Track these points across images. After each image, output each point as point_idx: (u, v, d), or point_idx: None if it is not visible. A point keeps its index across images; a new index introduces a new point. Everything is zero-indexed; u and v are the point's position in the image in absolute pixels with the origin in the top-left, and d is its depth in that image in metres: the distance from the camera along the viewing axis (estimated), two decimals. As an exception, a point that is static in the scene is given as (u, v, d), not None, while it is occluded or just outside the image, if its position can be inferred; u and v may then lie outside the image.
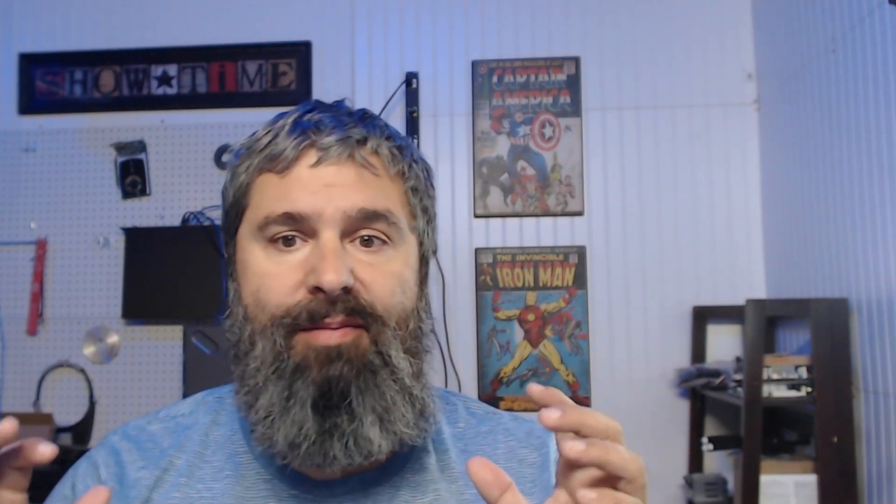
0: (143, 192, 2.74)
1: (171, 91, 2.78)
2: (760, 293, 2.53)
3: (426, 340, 0.71)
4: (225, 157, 2.73)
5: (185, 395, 2.55)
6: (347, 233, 0.67)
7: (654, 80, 2.63)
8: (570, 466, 0.52)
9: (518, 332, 2.57)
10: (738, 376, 2.10)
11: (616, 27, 2.66)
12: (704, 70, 2.62)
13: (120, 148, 2.76)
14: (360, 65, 2.73)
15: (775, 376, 1.97)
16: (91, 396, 2.67)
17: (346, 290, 0.64)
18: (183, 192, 2.73)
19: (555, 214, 2.61)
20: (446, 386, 2.36)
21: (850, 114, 1.96)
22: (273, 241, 0.67)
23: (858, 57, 1.92)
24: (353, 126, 0.69)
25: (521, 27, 2.69)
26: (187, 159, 2.74)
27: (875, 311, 1.84)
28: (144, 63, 2.79)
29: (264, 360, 0.65)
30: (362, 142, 0.69)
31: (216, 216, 2.67)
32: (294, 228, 0.67)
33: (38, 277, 2.72)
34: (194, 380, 2.54)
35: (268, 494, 0.70)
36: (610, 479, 0.52)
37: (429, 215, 0.74)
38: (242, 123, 2.72)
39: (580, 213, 2.61)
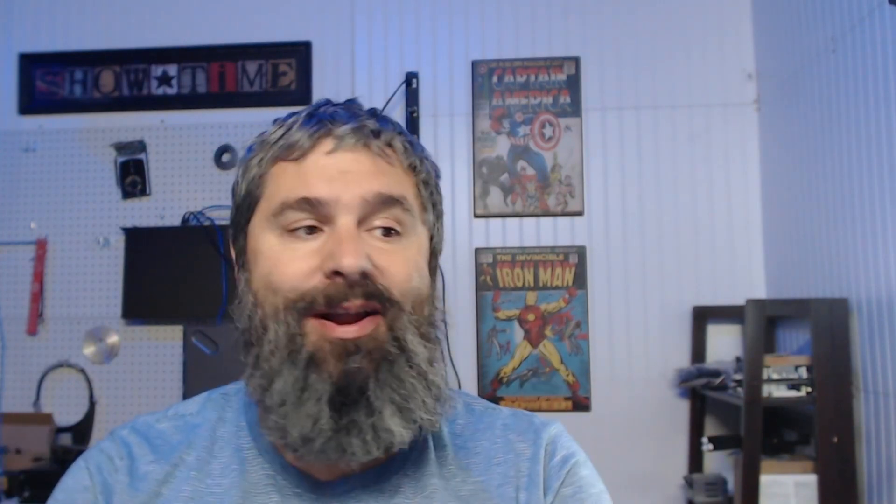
0: (143, 192, 2.74)
1: (171, 91, 2.78)
2: (760, 293, 2.53)
3: (438, 329, 0.71)
4: (225, 158, 2.73)
5: (185, 395, 2.55)
6: (364, 220, 0.67)
7: (654, 80, 2.63)
8: None
9: (518, 332, 2.57)
10: (738, 376, 2.10)
11: (616, 27, 2.66)
12: (704, 70, 2.62)
13: (120, 148, 2.76)
14: (360, 65, 2.73)
15: (775, 376, 1.97)
16: (91, 396, 2.67)
17: (364, 275, 0.64)
18: (183, 192, 2.73)
19: (555, 214, 2.61)
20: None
21: (850, 114, 1.96)
22: (290, 230, 0.67)
23: (858, 57, 1.92)
24: (367, 118, 0.70)
25: (521, 27, 2.69)
26: (187, 159, 2.74)
27: (875, 311, 1.84)
28: (144, 63, 2.79)
29: (278, 343, 0.65)
30: (376, 133, 0.69)
31: (216, 216, 2.67)
32: (311, 215, 0.67)
33: (38, 277, 2.72)
34: (194, 380, 2.54)
35: (272, 490, 0.70)
36: None
37: (437, 211, 0.75)
38: (242, 123, 2.72)
39: (580, 213, 2.61)
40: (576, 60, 2.65)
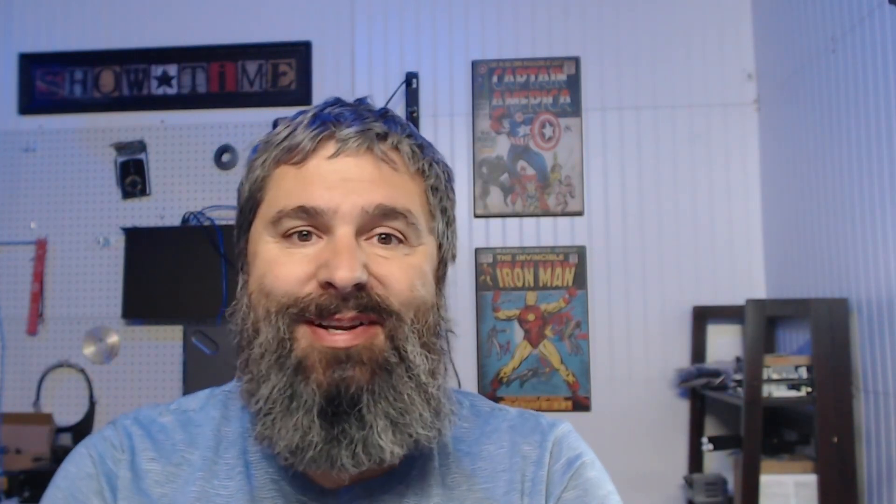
0: (143, 192, 2.74)
1: (171, 91, 2.78)
2: (760, 293, 2.53)
3: (443, 340, 0.69)
4: (225, 158, 2.73)
5: (185, 394, 2.55)
6: (364, 230, 0.65)
7: (654, 80, 2.63)
8: None
9: (518, 332, 2.57)
10: (738, 376, 2.10)
11: (616, 27, 2.66)
12: (704, 70, 2.62)
13: (120, 148, 2.76)
14: (360, 65, 2.73)
15: (775, 376, 1.97)
16: (91, 396, 2.67)
17: (360, 287, 0.63)
18: (183, 192, 2.73)
19: (555, 214, 2.61)
20: (446, 386, 2.36)
21: (850, 114, 1.96)
22: (287, 236, 0.65)
23: (858, 57, 1.92)
24: (373, 121, 0.68)
25: (521, 27, 2.69)
26: (187, 159, 2.74)
27: (875, 311, 1.84)
28: (144, 63, 2.79)
29: (268, 347, 0.64)
30: (382, 136, 0.67)
31: (216, 216, 2.67)
32: (308, 223, 0.65)
33: (38, 277, 2.72)
34: (194, 380, 2.54)
35: (276, 495, 0.69)
36: None
37: (448, 217, 0.72)
38: (242, 123, 2.72)
39: (580, 213, 2.61)
40: (576, 60, 2.65)
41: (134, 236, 2.67)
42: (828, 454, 1.87)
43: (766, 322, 2.15)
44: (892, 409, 1.77)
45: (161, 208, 2.73)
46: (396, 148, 0.68)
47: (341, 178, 0.65)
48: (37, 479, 2.38)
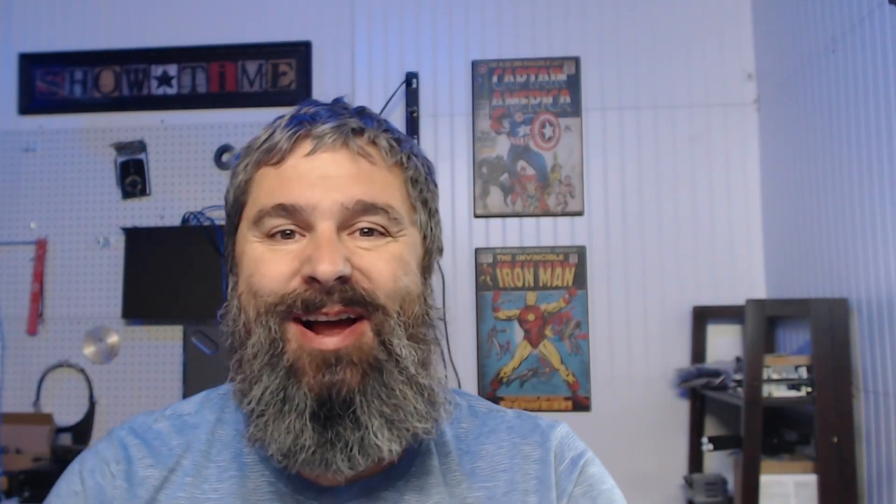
0: (143, 192, 2.74)
1: (171, 91, 2.78)
2: (760, 293, 2.53)
3: (432, 329, 0.70)
4: (225, 158, 2.73)
5: (185, 395, 2.55)
6: (345, 225, 0.66)
7: (654, 80, 2.63)
8: None
9: (518, 332, 2.57)
10: (738, 376, 2.10)
11: (616, 27, 2.66)
12: (704, 70, 2.62)
13: (120, 148, 2.76)
14: (360, 65, 2.73)
15: (775, 376, 1.97)
16: (91, 396, 2.67)
17: (343, 280, 0.63)
18: (183, 192, 2.73)
19: (555, 214, 2.61)
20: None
21: (850, 114, 1.96)
22: (270, 235, 0.66)
23: (858, 57, 1.92)
24: (349, 117, 0.69)
25: (521, 27, 2.69)
26: (187, 159, 2.74)
27: (875, 311, 1.84)
28: (144, 63, 2.79)
29: (260, 347, 0.64)
30: (359, 131, 0.68)
31: (216, 216, 2.67)
32: (290, 221, 0.66)
33: (38, 277, 2.72)
34: (194, 380, 2.54)
35: (272, 497, 0.69)
36: None
37: (430, 209, 0.73)
38: (242, 123, 2.72)
39: (580, 213, 2.61)
40: (576, 60, 2.65)
41: (134, 236, 2.67)
42: (828, 454, 1.87)
43: (766, 322, 2.15)
44: (892, 409, 1.77)
45: (161, 208, 2.73)
46: (373, 142, 0.68)
47: (319, 175, 0.66)
48: (37, 479, 2.38)
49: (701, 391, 2.38)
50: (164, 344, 2.68)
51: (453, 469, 0.72)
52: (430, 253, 0.73)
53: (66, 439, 2.63)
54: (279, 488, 0.69)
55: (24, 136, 2.79)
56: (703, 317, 2.52)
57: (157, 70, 2.79)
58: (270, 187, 0.67)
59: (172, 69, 2.78)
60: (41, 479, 2.38)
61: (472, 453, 0.73)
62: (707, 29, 2.63)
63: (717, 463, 2.48)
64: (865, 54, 1.88)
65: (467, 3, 2.71)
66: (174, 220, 2.71)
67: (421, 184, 0.72)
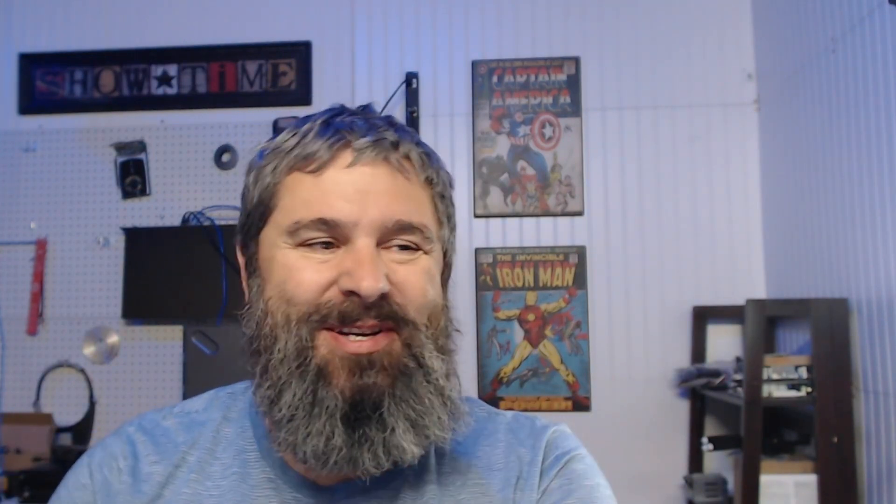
0: (143, 192, 2.74)
1: (171, 91, 2.78)
2: (760, 293, 2.53)
3: (452, 340, 0.71)
4: (225, 158, 2.73)
5: (185, 395, 2.55)
6: (381, 241, 0.66)
7: (654, 80, 2.63)
8: None
9: (518, 332, 2.57)
10: (738, 376, 2.10)
11: (616, 27, 2.66)
12: (704, 70, 2.62)
13: (120, 148, 2.76)
14: (360, 65, 2.73)
15: (775, 376, 1.97)
16: (91, 396, 2.67)
17: (382, 296, 0.64)
18: (183, 192, 2.73)
19: (555, 214, 2.61)
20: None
21: (850, 114, 1.96)
22: (304, 245, 0.66)
23: (858, 57, 1.92)
24: (385, 129, 0.68)
25: (521, 27, 2.69)
26: (187, 159, 2.74)
27: (875, 311, 1.84)
28: (144, 63, 2.79)
29: (287, 354, 0.65)
30: (395, 145, 0.68)
31: (216, 216, 2.67)
32: (327, 234, 0.66)
33: (38, 277, 2.72)
34: (194, 380, 2.54)
35: (271, 494, 0.70)
36: None
37: (451, 224, 0.74)
38: (242, 123, 2.72)
39: (580, 213, 2.61)
40: (576, 60, 2.65)
41: (134, 236, 2.67)
42: (828, 454, 1.87)
43: (766, 322, 2.15)
44: (892, 409, 1.77)
45: (161, 208, 2.73)
46: (408, 156, 0.69)
47: (358, 190, 0.65)
48: (37, 479, 2.38)
49: (701, 391, 2.38)
50: (164, 344, 2.68)
51: (447, 467, 0.73)
52: (450, 266, 0.75)
53: (66, 439, 2.63)
54: (278, 485, 0.70)
55: (24, 136, 2.79)
56: (703, 317, 2.52)
57: (157, 70, 2.79)
58: (307, 197, 0.66)
59: (172, 69, 2.78)
60: (41, 479, 2.38)
61: (469, 454, 0.74)
62: (707, 29, 2.63)
63: (717, 463, 2.48)
64: (865, 54, 1.88)
65: (467, 3, 2.71)
66: (174, 220, 2.71)
67: (447, 199, 0.73)
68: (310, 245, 0.66)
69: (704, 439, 2.25)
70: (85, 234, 2.74)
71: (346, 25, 2.75)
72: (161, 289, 2.63)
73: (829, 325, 1.91)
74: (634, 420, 2.52)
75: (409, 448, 0.64)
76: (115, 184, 2.75)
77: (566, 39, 2.68)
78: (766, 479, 1.94)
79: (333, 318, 0.64)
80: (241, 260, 0.74)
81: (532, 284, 2.58)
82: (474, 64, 2.68)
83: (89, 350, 2.70)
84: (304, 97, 2.71)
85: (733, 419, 2.48)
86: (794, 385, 1.97)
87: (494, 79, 2.66)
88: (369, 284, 0.63)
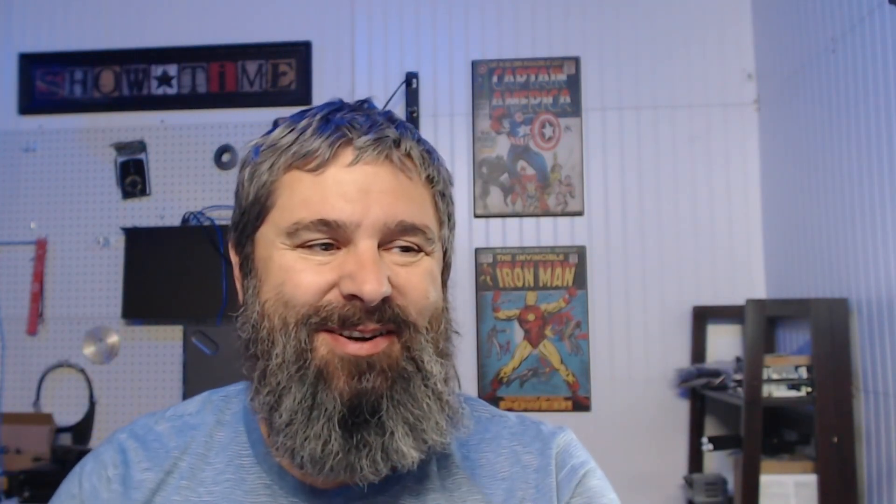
0: (143, 192, 2.74)
1: (171, 91, 2.78)
2: (760, 293, 2.53)
3: (451, 343, 0.69)
4: (225, 158, 2.73)
5: (185, 395, 2.55)
6: (383, 242, 0.65)
7: (654, 80, 2.63)
8: None
9: (518, 332, 2.57)
10: (738, 376, 2.10)
11: (616, 27, 2.66)
12: (704, 70, 2.62)
13: (120, 148, 2.76)
14: (360, 65, 2.73)
15: (775, 376, 1.97)
16: (91, 396, 2.67)
17: (384, 300, 0.63)
18: (183, 192, 2.73)
19: (555, 214, 2.61)
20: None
21: (850, 114, 1.96)
22: (304, 246, 0.64)
23: (858, 57, 1.92)
24: (386, 126, 0.67)
25: (521, 27, 2.69)
26: (187, 159, 2.74)
27: (875, 311, 1.84)
28: (144, 63, 2.79)
29: (286, 358, 0.63)
30: (396, 142, 0.66)
31: (216, 216, 2.67)
32: (328, 236, 0.64)
33: (38, 277, 2.72)
34: (194, 380, 2.54)
35: (267, 500, 0.68)
36: None
37: (451, 223, 0.73)
38: (242, 123, 2.72)
39: (580, 213, 2.61)
40: (576, 60, 2.65)
41: (134, 236, 2.67)
42: (828, 454, 1.87)
43: (766, 322, 2.15)
44: (892, 409, 1.77)
45: (161, 208, 2.73)
46: (409, 154, 0.67)
47: (360, 189, 0.64)
48: (37, 479, 2.38)
49: (701, 391, 2.38)
50: (164, 344, 2.68)
51: (452, 475, 0.71)
52: (449, 266, 0.74)
53: (66, 439, 2.63)
54: (275, 491, 0.68)
55: (24, 136, 2.79)
56: (703, 317, 2.52)
57: (157, 70, 2.79)
58: (307, 197, 0.64)
59: (172, 69, 2.78)
60: (41, 479, 2.38)
61: (472, 460, 0.73)
62: (707, 29, 2.63)
63: (717, 463, 2.48)
64: (865, 54, 1.88)
65: (467, 3, 2.71)
66: (174, 220, 2.71)
67: (447, 198, 0.71)
68: (309, 246, 0.64)
69: (704, 439, 2.25)
70: (85, 234, 2.74)
71: (346, 25, 2.75)
72: (161, 289, 2.63)
73: (829, 325, 1.91)
74: (634, 420, 2.52)
75: (409, 452, 0.63)
76: (115, 184, 2.75)
77: (566, 39, 2.68)
78: (766, 479, 1.94)
79: (334, 322, 0.63)
80: (234, 259, 0.72)
81: (532, 284, 2.58)
82: (474, 64, 2.68)
83: (89, 350, 2.70)
84: (304, 97, 2.71)
85: (733, 419, 2.48)
86: (794, 385, 1.97)
87: (494, 79, 2.66)
88: (372, 288, 0.61)
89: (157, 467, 0.70)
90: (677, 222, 2.58)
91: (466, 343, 2.57)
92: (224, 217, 2.65)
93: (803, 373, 1.97)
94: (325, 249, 0.64)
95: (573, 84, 2.64)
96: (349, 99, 0.72)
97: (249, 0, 2.78)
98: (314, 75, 2.73)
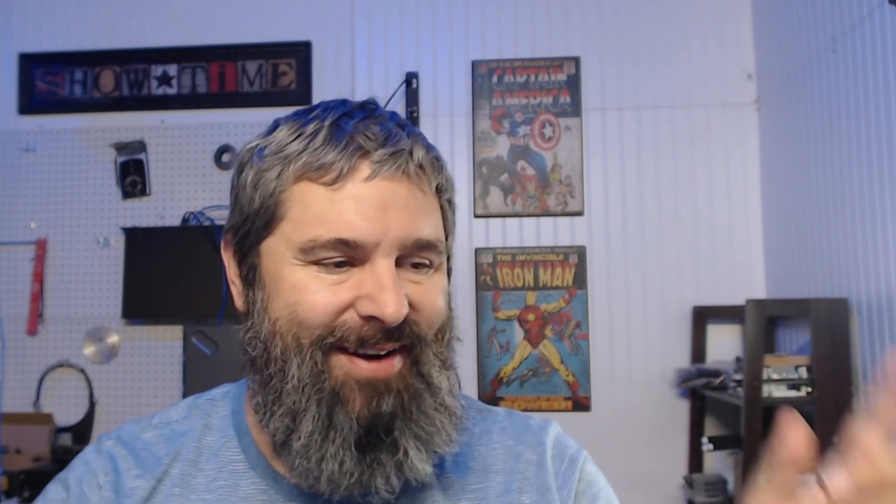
0: (143, 192, 2.74)
1: (171, 91, 2.78)
2: (760, 293, 2.53)
3: (454, 351, 0.69)
4: (225, 158, 2.73)
5: (186, 395, 2.55)
6: (399, 260, 0.64)
7: (654, 80, 2.63)
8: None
9: (518, 332, 2.57)
10: (738, 376, 2.10)
11: (616, 27, 2.66)
12: (704, 70, 2.62)
13: (120, 148, 2.76)
14: (360, 65, 2.73)
15: (775, 376, 1.97)
16: (91, 396, 2.67)
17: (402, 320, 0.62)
18: (183, 192, 2.73)
19: (555, 214, 2.61)
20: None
21: (850, 114, 1.96)
22: (316, 263, 0.62)
23: (858, 57, 1.92)
24: (400, 136, 0.64)
25: (521, 27, 2.69)
26: (187, 159, 2.74)
27: (875, 311, 1.84)
28: (144, 63, 2.79)
29: (301, 379, 0.62)
30: (410, 154, 0.64)
31: (216, 216, 2.67)
32: (344, 254, 0.62)
33: (38, 277, 2.72)
34: (194, 380, 2.54)
35: None
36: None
37: (454, 233, 0.72)
38: (242, 123, 2.72)
39: (580, 213, 2.61)
40: (576, 60, 2.65)
41: (134, 236, 2.67)
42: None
43: (766, 322, 2.15)
44: (892, 409, 1.77)
45: (161, 208, 2.73)
46: (421, 165, 0.65)
47: (378, 206, 0.62)
48: (37, 479, 2.38)
49: (701, 391, 2.38)
50: (164, 344, 2.68)
51: (447, 471, 0.71)
52: (450, 273, 0.72)
53: (66, 439, 2.63)
54: (271, 496, 0.68)
55: (24, 136, 2.79)
56: (703, 317, 2.52)
57: (157, 70, 2.79)
58: (323, 213, 0.62)
59: (172, 69, 2.78)
60: (41, 479, 2.38)
61: (465, 455, 0.73)
62: (707, 29, 2.63)
63: (717, 463, 2.48)
64: (865, 54, 1.88)
65: (467, 3, 2.71)
66: (174, 220, 2.71)
67: (452, 205, 0.70)
68: (322, 263, 0.62)
69: (704, 439, 2.25)
70: (85, 234, 2.74)
71: (346, 25, 2.75)
72: (161, 289, 2.63)
73: (829, 325, 1.91)
74: (634, 420, 2.52)
75: (422, 467, 0.63)
76: (115, 184, 2.75)
77: (566, 39, 2.68)
78: (766, 479, 1.93)
79: (351, 343, 0.61)
80: (229, 260, 0.70)
81: (532, 284, 2.58)
82: (474, 64, 2.68)
83: (89, 350, 2.70)
84: (304, 97, 2.71)
85: (733, 419, 2.48)
86: (794, 385, 1.97)
87: (494, 79, 2.66)
88: (394, 311, 0.60)
89: (149, 475, 0.69)
90: (677, 222, 2.58)
91: (466, 343, 2.55)
92: (224, 217, 2.64)
93: (803, 373, 1.97)
94: (338, 266, 0.62)
95: (573, 84, 2.64)
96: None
97: (249, 0, 2.78)
98: (314, 75, 2.73)
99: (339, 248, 0.61)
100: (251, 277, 0.67)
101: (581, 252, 2.59)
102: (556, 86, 2.65)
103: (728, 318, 2.52)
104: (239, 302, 0.69)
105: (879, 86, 1.82)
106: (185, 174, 2.73)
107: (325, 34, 2.75)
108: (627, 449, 2.49)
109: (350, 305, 0.62)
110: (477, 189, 2.64)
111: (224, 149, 2.73)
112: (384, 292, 0.60)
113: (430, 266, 0.66)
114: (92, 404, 2.67)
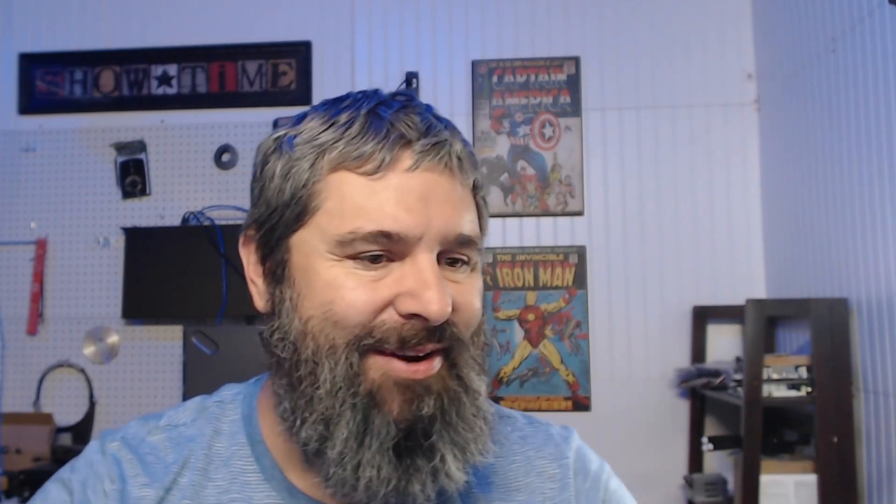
0: (143, 192, 2.74)
1: (171, 91, 2.78)
2: (760, 293, 2.53)
3: (485, 355, 0.66)
4: (225, 158, 2.72)
5: (186, 395, 2.55)
6: (439, 254, 0.61)
7: (654, 80, 2.63)
8: None
9: (518, 332, 2.57)
10: (738, 376, 2.10)
11: (616, 27, 2.66)
12: (704, 70, 2.62)
13: (120, 148, 2.76)
14: (360, 65, 2.73)
15: (775, 376, 1.97)
16: (91, 396, 2.67)
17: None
18: (183, 192, 2.73)
19: (555, 214, 2.61)
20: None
21: (850, 114, 1.96)
22: (352, 257, 0.59)
23: (858, 57, 1.92)
24: (440, 128, 0.62)
25: (521, 27, 2.69)
26: (187, 159, 2.74)
27: (875, 311, 1.84)
28: (144, 63, 2.79)
29: (335, 382, 0.58)
30: (450, 144, 0.61)
31: (216, 216, 2.66)
32: (384, 248, 0.59)
33: (38, 277, 2.72)
34: (194, 380, 2.53)
35: None
36: None
37: (487, 231, 0.69)
38: (242, 123, 2.72)
39: (580, 213, 2.61)
40: (576, 60, 2.65)
41: (134, 236, 2.67)
42: (828, 454, 1.87)
43: (766, 322, 2.15)
44: (892, 409, 1.77)
45: (161, 208, 2.73)
46: (460, 157, 0.62)
47: (421, 198, 0.59)
48: (37, 479, 2.38)
49: (701, 391, 2.38)
50: (164, 344, 2.68)
51: (470, 490, 0.68)
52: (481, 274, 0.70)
53: (66, 439, 2.63)
54: None
55: (24, 136, 2.79)
56: (703, 317, 2.52)
57: (157, 70, 2.79)
58: (362, 204, 0.58)
59: (172, 69, 2.78)
60: (41, 479, 2.37)
61: (486, 468, 0.69)
62: (707, 29, 2.63)
63: (717, 463, 2.48)
64: (865, 54, 1.88)
65: (467, 3, 2.71)
66: (174, 220, 2.71)
67: (487, 205, 0.67)
68: (361, 259, 0.59)
69: (704, 439, 2.25)
70: (85, 233, 2.74)
71: (346, 25, 2.75)
72: (161, 289, 2.63)
73: (829, 325, 1.91)
74: (634, 420, 2.52)
75: (458, 476, 0.59)
76: (115, 184, 2.75)
77: (566, 39, 2.68)
78: (766, 479, 1.94)
79: (391, 343, 0.58)
80: (251, 257, 0.66)
81: (532, 284, 2.58)
82: (474, 64, 2.68)
83: (89, 350, 2.70)
84: (304, 97, 2.71)
85: (733, 419, 2.48)
86: (794, 385, 1.97)
87: (494, 79, 2.67)
88: (439, 308, 0.57)
89: (157, 483, 0.65)
90: (677, 222, 2.58)
91: (466, 343, 2.57)
92: (224, 217, 2.65)
93: (803, 373, 1.97)
94: (373, 262, 0.59)
95: (573, 84, 2.64)
96: None
97: (249, 0, 2.78)
98: (314, 75, 2.73)
99: (380, 241, 0.58)
100: (279, 274, 0.63)
101: (581, 252, 2.59)
102: (556, 86, 2.65)
103: (728, 318, 2.52)
104: (260, 302, 0.65)
105: (879, 86, 1.82)
106: (185, 174, 2.73)
107: (325, 34, 2.75)
108: (627, 449, 2.49)
109: (389, 303, 0.59)
110: (477, 189, 2.63)
111: (224, 149, 2.73)
112: (428, 289, 0.57)
113: (468, 264, 0.63)
114: (92, 404, 2.67)
